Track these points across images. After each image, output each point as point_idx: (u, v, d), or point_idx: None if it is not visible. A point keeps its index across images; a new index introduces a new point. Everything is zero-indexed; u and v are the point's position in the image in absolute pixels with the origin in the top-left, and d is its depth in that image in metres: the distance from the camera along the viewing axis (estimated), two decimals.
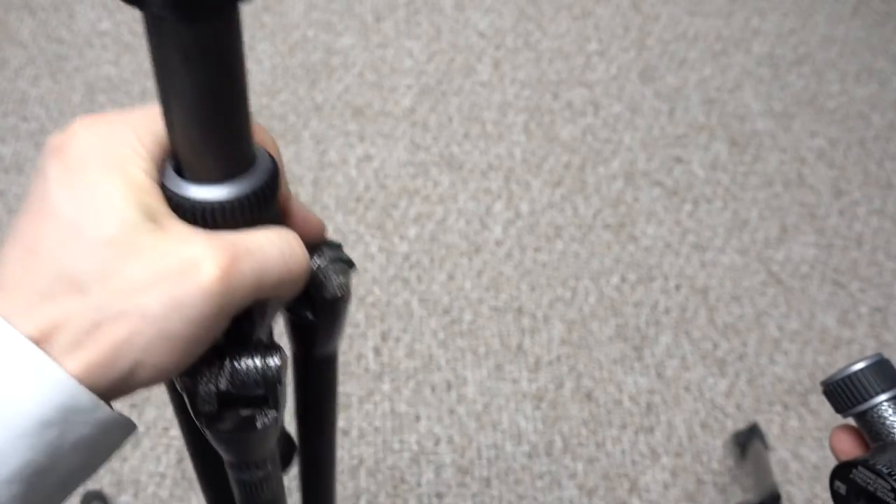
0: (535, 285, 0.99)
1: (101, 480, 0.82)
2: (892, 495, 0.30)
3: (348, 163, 1.08)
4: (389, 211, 1.04)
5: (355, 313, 0.96)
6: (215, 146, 0.22)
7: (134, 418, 0.30)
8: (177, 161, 0.23)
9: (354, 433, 0.87)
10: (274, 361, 0.24)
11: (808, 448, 0.90)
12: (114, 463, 0.83)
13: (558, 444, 0.88)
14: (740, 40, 1.28)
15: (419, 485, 0.85)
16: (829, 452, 0.92)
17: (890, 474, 0.30)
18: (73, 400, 0.22)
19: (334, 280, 0.28)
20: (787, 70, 1.25)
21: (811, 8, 1.34)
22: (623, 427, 0.90)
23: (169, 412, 0.85)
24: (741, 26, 1.30)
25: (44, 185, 0.23)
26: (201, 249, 0.22)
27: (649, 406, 0.92)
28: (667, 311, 0.99)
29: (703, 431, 0.90)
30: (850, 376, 0.33)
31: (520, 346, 0.95)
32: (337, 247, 0.28)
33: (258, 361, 0.24)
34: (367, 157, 1.09)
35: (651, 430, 0.90)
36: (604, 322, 0.97)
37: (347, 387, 0.91)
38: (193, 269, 0.22)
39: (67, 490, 0.24)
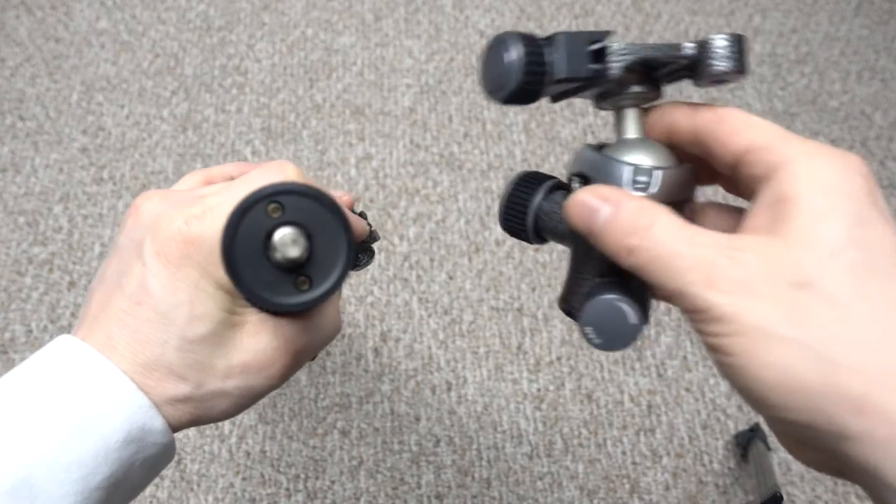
0: (535, 285, 0.99)
1: None
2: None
3: (348, 162, 1.08)
4: (389, 211, 1.04)
5: (354, 313, 0.95)
6: None
7: None
8: None
9: (354, 434, 0.87)
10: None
11: None
12: None
13: (559, 444, 0.88)
14: None
15: (419, 486, 0.85)
16: None
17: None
18: (151, 422, 0.27)
19: (378, 234, 0.44)
20: (789, 69, 1.24)
21: (813, 6, 1.34)
22: (624, 428, 0.90)
23: None
24: (742, 25, 1.30)
25: (143, 272, 0.27)
26: (272, 350, 0.28)
27: (650, 407, 0.91)
28: (668, 311, 0.98)
29: (704, 432, 0.90)
30: (506, 199, 0.32)
31: (520, 347, 0.94)
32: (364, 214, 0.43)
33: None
34: (367, 157, 1.09)
35: (652, 430, 0.90)
36: None
37: (347, 387, 0.90)
38: (267, 368, 0.28)
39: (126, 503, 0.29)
